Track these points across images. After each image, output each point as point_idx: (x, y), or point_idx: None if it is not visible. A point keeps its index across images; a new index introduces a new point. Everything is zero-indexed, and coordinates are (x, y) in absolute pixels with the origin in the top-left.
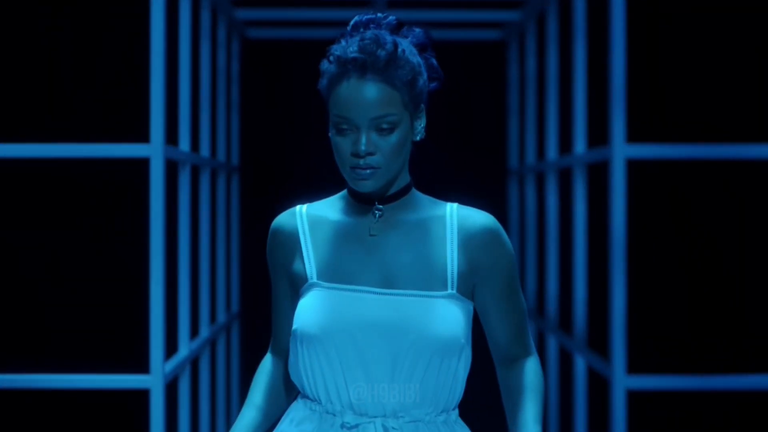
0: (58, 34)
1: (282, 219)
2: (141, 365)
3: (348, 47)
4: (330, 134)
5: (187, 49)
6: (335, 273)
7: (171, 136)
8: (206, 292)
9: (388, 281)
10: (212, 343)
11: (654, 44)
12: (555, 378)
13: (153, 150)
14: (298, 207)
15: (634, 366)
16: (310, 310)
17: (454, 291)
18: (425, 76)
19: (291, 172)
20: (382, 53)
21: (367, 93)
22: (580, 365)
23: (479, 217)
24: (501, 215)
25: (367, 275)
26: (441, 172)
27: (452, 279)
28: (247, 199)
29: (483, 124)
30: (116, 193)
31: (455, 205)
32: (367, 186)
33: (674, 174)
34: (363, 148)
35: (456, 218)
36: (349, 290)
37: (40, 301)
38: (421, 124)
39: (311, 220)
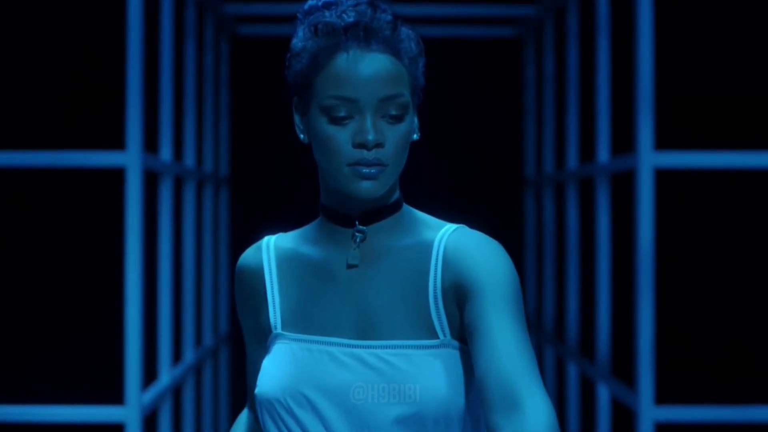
0: (22, 25)
1: (246, 256)
2: (116, 395)
3: (340, 14)
4: (311, 128)
5: (170, 47)
6: (303, 320)
7: (151, 143)
8: (191, 313)
9: (367, 328)
10: (197, 369)
11: (685, 41)
12: (576, 409)
13: (129, 159)
14: (265, 239)
15: (663, 396)
16: (269, 371)
17: (447, 336)
18: (424, 61)
19: (286, 184)
20: (386, 18)
21: (375, 66)
22: (603, 395)
23: (471, 235)
24: (516, 229)
25: (341, 321)
26: (448, 182)
27: (440, 320)
28: (237, 213)
29: (496, 129)
30: (90, 207)
31: (454, 226)
32: (372, 189)
33: (707, 184)
34: (372, 136)
35: (444, 242)
36: (315, 342)
37: (3, 325)
38: (415, 120)
39: (279, 254)
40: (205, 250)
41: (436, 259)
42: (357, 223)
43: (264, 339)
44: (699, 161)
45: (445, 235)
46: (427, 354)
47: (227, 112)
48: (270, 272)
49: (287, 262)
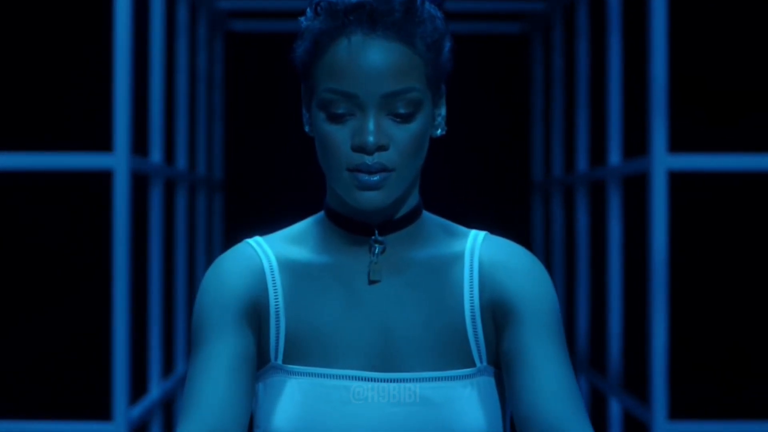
0: (8, 25)
1: (237, 259)
2: (104, 410)
3: None
4: (312, 123)
5: (160, 44)
6: (313, 348)
7: (140, 145)
8: (183, 322)
9: (393, 357)
10: None
11: (701, 36)
12: None
13: (117, 161)
14: (253, 242)
15: (678, 410)
16: (272, 414)
17: (483, 362)
18: (450, 44)
19: (283, 188)
20: None
21: (379, 56)
22: (615, 409)
23: (506, 246)
24: (523, 236)
25: (361, 348)
26: (451, 186)
27: (478, 344)
28: (232, 219)
29: (502, 130)
30: (77, 212)
31: (481, 234)
32: (375, 200)
33: (724, 188)
34: (372, 138)
35: (478, 254)
36: (331, 377)
37: None
38: (441, 113)
39: (281, 263)
40: (197, 258)
41: (471, 273)
42: (376, 232)
43: (245, 367)
44: (715, 164)
45: (476, 245)
46: (464, 385)
47: (221, 112)
48: (274, 284)
49: (291, 272)
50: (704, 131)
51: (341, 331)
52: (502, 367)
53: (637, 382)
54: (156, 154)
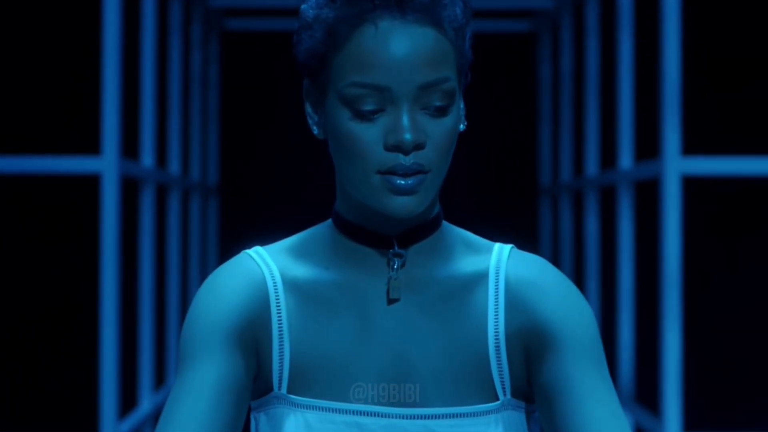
0: None
1: (236, 273)
2: (92, 424)
3: None
4: (328, 123)
5: (152, 43)
6: (319, 377)
7: (131, 148)
8: (175, 334)
9: (406, 391)
10: None
11: (715, 35)
12: None
13: (105, 164)
14: (254, 253)
15: (691, 423)
16: None
17: (508, 396)
18: (471, 31)
19: (281, 193)
20: None
21: (413, 43)
22: None
23: (536, 263)
24: (530, 243)
25: (372, 380)
26: (454, 191)
27: (502, 376)
28: (228, 225)
29: (509, 132)
30: (65, 217)
31: (506, 249)
32: (410, 205)
33: (739, 193)
34: (410, 136)
35: (504, 272)
36: (340, 411)
37: None
38: (461, 105)
39: (286, 279)
40: (191, 266)
41: (496, 294)
42: (395, 244)
43: (230, 397)
44: (730, 168)
45: (501, 262)
46: (487, 422)
47: (216, 114)
48: (278, 303)
49: (297, 289)
50: (721, 135)
51: (353, 359)
52: (539, 402)
53: (649, 394)
54: (147, 158)
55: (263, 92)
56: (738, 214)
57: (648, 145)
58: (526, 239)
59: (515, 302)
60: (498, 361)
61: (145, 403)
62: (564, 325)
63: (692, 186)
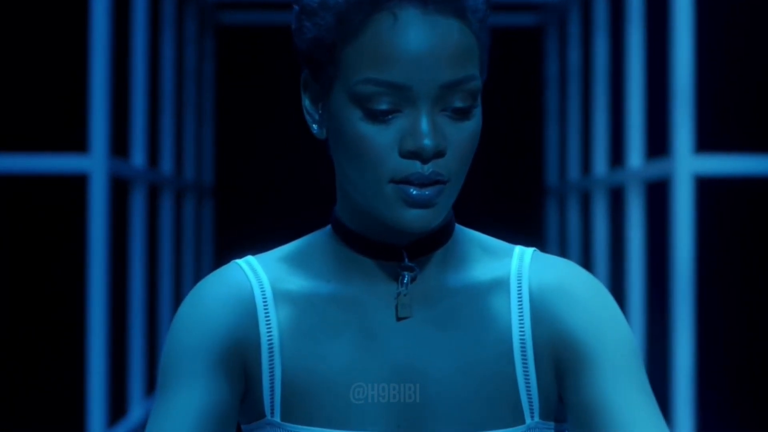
0: None
1: (222, 286)
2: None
3: None
4: (336, 123)
5: (144, 38)
6: (316, 403)
7: (121, 147)
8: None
9: (418, 417)
10: None
11: (728, 29)
12: None
13: (93, 163)
14: (244, 263)
15: (702, 426)
16: None
17: (536, 418)
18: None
19: (278, 194)
20: None
21: (437, 37)
22: None
23: (563, 267)
24: (537, 245)
25: (377, 405)
26: (461, 191)
27: (531, 396)
28: (223, 227)
29: (515, 130)
30: (52, 218)
31: (528, 252)
32: (424, 219)
33: (753, 192)
34: (430, 141)
35: (527, 278)
36: None
37: None
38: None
39: (278, 292)
40: (185, 268)
41: (519, 303)
42: (405, 257)
43: (212, 427)
44: (743, 167)
45: (523, 267)
46: None
47: (211, 112)
48: (267, 319)
49: (290, 304)
50: (734, 133)
51: (355, 382)
52: (572, 422)
53: (659, 399)
54: (138, 157)
55: (260, 89)
56: (753, 215)
57: (658, 143)
58: (532, 241)
59: (541, 311)
60: (526, 379)
61: (136, 410)
62: (599, 336)
63: (705, 186)
